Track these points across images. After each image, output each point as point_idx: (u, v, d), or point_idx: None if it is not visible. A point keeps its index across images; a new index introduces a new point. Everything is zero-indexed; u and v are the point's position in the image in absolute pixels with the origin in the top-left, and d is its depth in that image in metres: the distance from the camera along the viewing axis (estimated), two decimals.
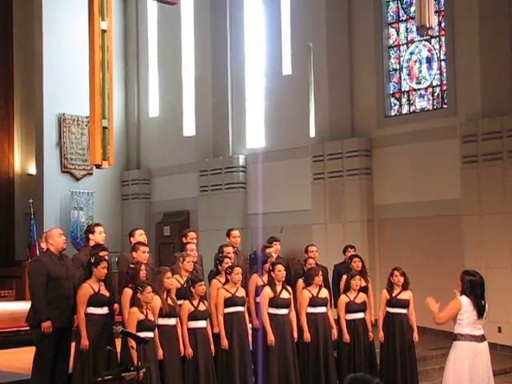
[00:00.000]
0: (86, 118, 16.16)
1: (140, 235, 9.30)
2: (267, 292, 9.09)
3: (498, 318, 11.19)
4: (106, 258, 8.20)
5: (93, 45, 8.83)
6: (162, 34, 18.46)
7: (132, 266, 8.20)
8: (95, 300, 7.79)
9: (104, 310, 7.88)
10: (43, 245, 8.68)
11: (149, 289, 7.71)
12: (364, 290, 9.81)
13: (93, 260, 7.90)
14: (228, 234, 10.50)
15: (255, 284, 9.50)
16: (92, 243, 8.83)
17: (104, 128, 8.79)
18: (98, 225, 9.16)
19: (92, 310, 7.79)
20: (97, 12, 8.83)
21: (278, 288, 9.13)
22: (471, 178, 12.58)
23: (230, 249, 9.89)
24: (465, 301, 6.95)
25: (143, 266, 8.20)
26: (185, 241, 9.88)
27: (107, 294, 7.94)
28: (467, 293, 6.97)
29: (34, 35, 17.64)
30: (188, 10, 17.74)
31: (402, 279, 9.41)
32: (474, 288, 6.99)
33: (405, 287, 9.45)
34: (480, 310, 6.96)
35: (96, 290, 7.82)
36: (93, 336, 7.70)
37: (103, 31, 8.89)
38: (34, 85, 17.67)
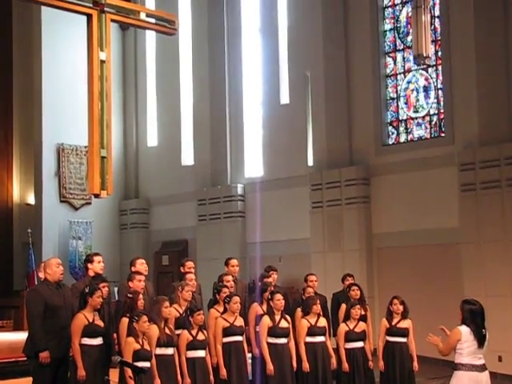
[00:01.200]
0: (85, 147, 16.22)
1: (141, 264, 9.30)
2: (266, 321, 9.06)
3: (498, 346, 11.12)
4: (103, 286, 8.18)
5: (92, 75, 8.88)
6: (160, 64, 18.57)
7: (130, 295, 8.19)
8: (89, 330, 7.75)
9: (98, 341, 7.83)
10: (41, 274, 8.68)
11: (144, 318, 7.68)
12: (363, 318, 9.78)
13: (87, 290, 7.87)
14: (226, 263, 10.49)
15: (255, 313, 9.47)
16: (91, 273, 8.82)
17: (103, 157, 8.81)
18: (96, 254, 9.16)
19: (86, 340, 7.75)
20: (96, 43, 8.89)
21: (277, 317, 9.11)
22: (469, 206, 12.58)
23: (230, 278, 9.89)
24: (465, 330, 6.91)
25: (141, 296, 8.18)
26: (183, 270, 9.87)
27: (101, 325, 7.91)
28: (467, 322, 6.94)
29: (33, 65, 17.74)
30: (186, 40, 17.87)
31: (401, 308, 9.38)
32: (475, 317, 6.95)
33: (404, 316, 9.42)
34: (480, 340, 6.92)
35: (90, 321, 7.79)
36: (88, 366, 7.65)
37: (102, 62, 8.95)
38: (33, 115, 17.74)
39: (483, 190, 12.42)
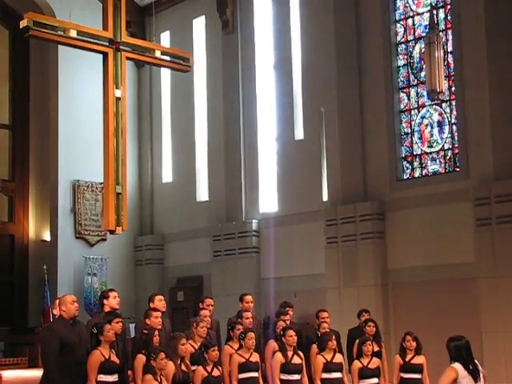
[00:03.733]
0: (100, 184, 16.31)
1: (159, 301, 9.31)
2: (279, 358, 9.01)
3: None
4: (117, 322, 8.15)
5: (107, 112, 9.00)
6: (175, 100, 18.71)
7: (145, 331, 8.17)
8: (106, 367, 7.73)
9: (114, 378, 7.81)
10: (55, 311, 8.67)
11: (162, 355, 7.66)
12: (378, 354, 9.71)
13: (95, 330, 7.83)
14: (241, 299, 10.48)
15: (272, 349, 9.43)
16: (107, 308, 8.82)
17: (118, 194, 8.89)
18: (112, 290, 9.16)
19: (102, 377, 7.72)
20: (111, 80, 9.02)
21: (290, 353, 9.06)
22: (485, 241, 12.52)
23: (249, 314, 9.91)
24: (459, 367, 6.65)
25: (156, 332, 8.17)
26: (201, 306, 9.87)
27: (117, 361, 7.89)
28: (455, 359, 6.78)
29: (49, 102, 17.93)
30: (201, 76, 18.02)
31: (414, 344, 9.31)
32: (460, 352, 6.71)
33: (418, 352, 9.34)
34: (473, 374, 6.74)
35: (106, 357, 7.77)
36: None
37: (117, 99, 9.08)
38: (49, 151, 17.88)
39: (499, 225, 12.36)
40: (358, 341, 9.77)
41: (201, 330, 8.90)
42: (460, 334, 7.01)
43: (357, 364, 9.43)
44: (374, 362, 9.46)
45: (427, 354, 9.52)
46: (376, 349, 9.76)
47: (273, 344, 9.52)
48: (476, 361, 6.80)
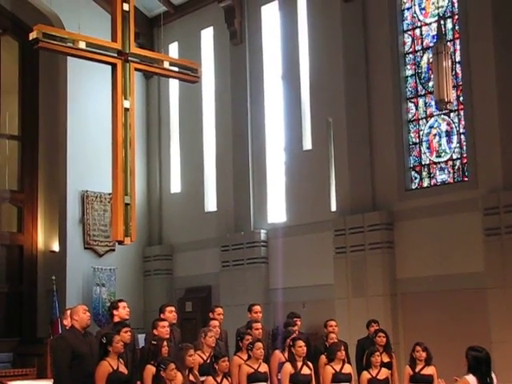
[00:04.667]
0: (109, 194, 16.32)
1: (170, 312, 9.31)
2: (288, 368, 8.99)
3: None
4: (125, 331, 8.14)
5: (116, 123, 9.03)
6: (183, 111, 18.76)
7: (154, 342, 8.17)
8: (114, 378, 7.70)
9: None
10: (65, 322, 8.67)
11: (172, 366, 7.65)
12: (388, 365, 9.67)
13: (104, 340, 7.81)
14: (250, 310, 10.48)
15: (277, 360, 9.41)
16: (116, 319, 8.80)
17: (126, 204, 8.91)
18: (121, 300, 9.15)
19: None
20: (120, 91, 9.05)
21: (299, 364, 9.04)
22: (494, 251, 12.48)
23: (259, 325, 9.90)
24: (472, 380, 6.64)
25: (165, 343, 8.16)
26: (212, 316, 9.87)
27: (126, 372, 7.87)
28: (473, 370, 6.74)
29: (59, 113, 17.99)
30: (209, 87, 18.06)
31: (424, 354, 9.27)
32: (480, 365, 6.69)
33: (428, 362, 9.31)
34: None
35: (115, 368, 7.75)
36: None
37: (126, 109, 9.11)
38: (58, 162, 17.93)
39: (508, 235, 12.33)
40: (366, 352, 9.73)
41: (209, 340, 8.89)
42: (480, 346, 6.97)
43: (365, 375, 9.39)
44: (383, 373, 9.43)
45: (437, 364, 9.48)
46: (386, 359, 9.72)
47: (278, 355, 9.50)
48: (493, 374, 6.77)
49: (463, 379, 6.72)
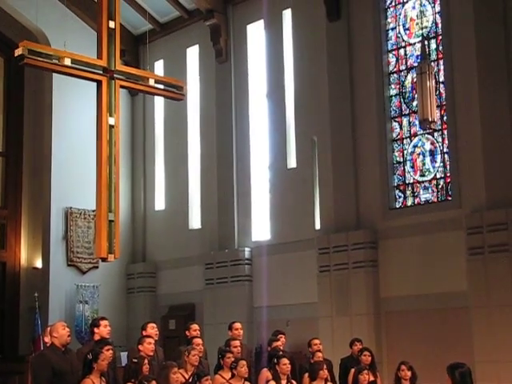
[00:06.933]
0: (93, 211, 16.23)
1: (152, 328, 9.28)
2: None
3: None
4: (107, 349, 8.09)
5: (100, 140, 9.01)
6: (168, 128, 18.76)
7: (135, 360, 8.11)
8: None
9: None
10: (47, 339, 8.60)
11: (154, 383, 7.59)
12: None
13: (90, 356, 7.74)
14: (230, 327, 10.46)
15: (265, 378, 9.38)
16: (97, 337, 8.74)
17: (110, 221, 8.87)
18: (103, 318, 9.09)
19: None
20: (105, 108, 9.04)
21: (283, 382, 9.01)
22: (478, 270, 12.53)
23: (237, 342, 9.84)
24: None
25: (146, 361, 8.11)
26: (188, 334, 9.83)
27: None
28: None
29: (43, 129, 17.95)
30: (194, 105, 18.09)
31: (409, 373, 9.25)
32: (465, 379, 6.66)
33: (413, 381, 9.28)
34: None
35: None
36: None
37: (111, 126, 9.09)
38: (42, 178, 17.86)
39: (491, 254, 12.38)
40: (353, 370, 9.70)
41: (192, 359, 8.83)
42: (459, 362, 6.97)
43: None
44: None
45: (420, 383, 9.46)
46: (371, 379, 9.70)
47: (266, 373, 9.46)
48: None
49: None
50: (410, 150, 14.31)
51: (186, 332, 9.99)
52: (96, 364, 7.68)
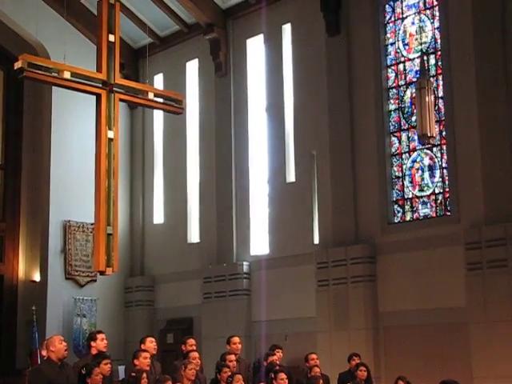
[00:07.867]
0: (91, 224, 16.22)
1: (151, 342, 9.26)
2: None
3: None
4: (105, 363, 8.05)
5: (99, 153, 9.01)
6: (167, 142, 18.77)
7: (133, 374, 8.08)
8: None
9: None
10: (44, 353, 8.56)
11: None
12: None
13: (84, 371, 7.67)
14: (228, 341, 10.43)
15: None
16: (94, 351, 8.71)
17: (109, 235, 8.85)
18: (100, 332, 9.07)
19: None
20: (104, 121, 9.05)
21: None
22: (476, 285, 12.51)
23: (233, 357, 9.79)
24: None
25: (144, 375, 8.07)
26: (184, 348, 9.80)
27: None
28: None
29: (42, 142, 17.96)
30: (193, 118, 18.10)
31: None
32: None
33: None
34: None
35: None
36: None
37: (110, 140, 9.09)
38: (40, 191, 17.86)
39: (490, 269, 12.37)
40: None
41: (189, 373, 8.79)
42: (452, 379, 6.96)
43: None
44: None
45: None
46: None
47: None
48: None
49: None
50: (408, 165, 14.32)
51: (182, 346, 9.96)
52: (90, 379, 7.60)
